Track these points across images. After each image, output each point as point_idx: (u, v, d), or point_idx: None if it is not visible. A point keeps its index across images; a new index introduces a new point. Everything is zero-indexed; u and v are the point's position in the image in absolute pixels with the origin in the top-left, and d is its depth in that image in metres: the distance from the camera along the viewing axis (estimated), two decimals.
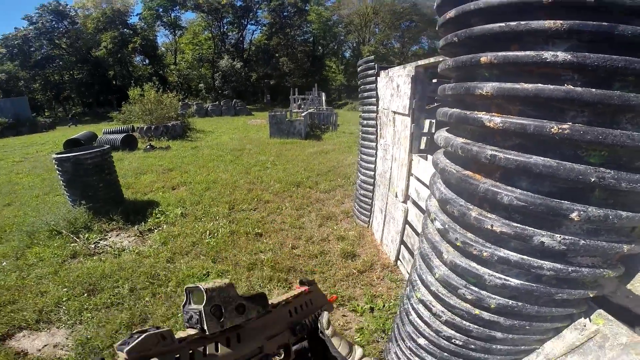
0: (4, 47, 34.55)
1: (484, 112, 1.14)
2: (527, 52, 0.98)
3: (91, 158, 5.21)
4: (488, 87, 1.07)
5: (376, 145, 4.47)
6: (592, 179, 0.98)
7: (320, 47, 48.54)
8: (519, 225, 1.14)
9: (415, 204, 3.45)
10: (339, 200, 6.27)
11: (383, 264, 3.97)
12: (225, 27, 45.43)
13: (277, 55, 43.88)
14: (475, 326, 1.42)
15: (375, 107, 4.26)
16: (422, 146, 3.81)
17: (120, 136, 11.53)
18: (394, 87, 3.52)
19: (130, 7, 42.06)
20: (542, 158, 1.03)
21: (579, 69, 0.93)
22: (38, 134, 20.29)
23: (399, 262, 3.87)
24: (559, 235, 1.09)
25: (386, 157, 4.12)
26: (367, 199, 4.83)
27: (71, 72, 38.59)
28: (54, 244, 4.45)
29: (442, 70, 1.38)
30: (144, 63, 45.05)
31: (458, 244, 1.34)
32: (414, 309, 1.74)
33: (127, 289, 3.42)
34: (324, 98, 22.64)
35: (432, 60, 2.78)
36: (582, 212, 1.03)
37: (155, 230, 4.94)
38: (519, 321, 1.33)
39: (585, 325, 1.32)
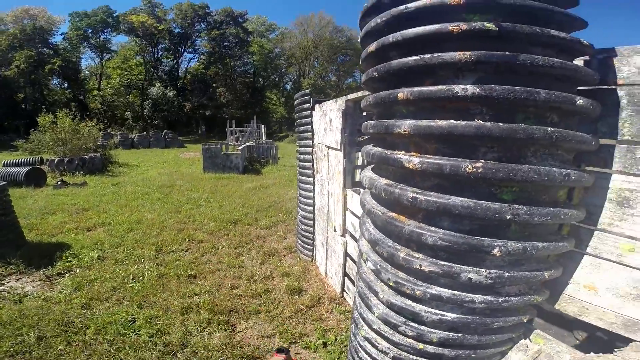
0: None
1: (403, 152, 1.12)
2: (440, 87, 0.98)
3: None
4: (405, 125, 1.05)
5: (313, 180, 4.44)
6: (508, 217, 1.00)
7: (260, 79, 49.02)
8: (445, 263, 1.13)
9: (353, 237, 3.41)
10: (281, 235, 6.03)
11: (330, 297, 3.83)
12: (160, 54, 43.32)
13: (214, 85, 42.86)
14: (423, 359, 1.37)
15: (311, 141, 4.27)
16: (357, 178, 3.88)
17: (24, 169, 9.81)
18: (327, 121, 3.58)
19: (56, 25, 38.08)
20: (459, 199, 1.02)
21: (486, 102, 0.95)
22: None
23: (344, 293, 3.76)
24: (484, 270, 1.09)
25: (322, 192, 4.09)
26: (308, 234, 4.70)
27: None
28: None
29: (364, 107, 1.37)
30: (62, 87, 40.33)
31: (391, 283, 1.29)
32: (361, 346, 1.67)
33: (34, 336, 2.99)
34: (263, 130, 22.57)
35: (359, 94, 2.88)
36: (502, 247, 1.04)
37: (67, 275, 4.26)
38: (463, 351, 1.32)
39: (527, 346, 1.35)
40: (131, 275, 4.20)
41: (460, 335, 1.26)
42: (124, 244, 5.33)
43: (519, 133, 0.94)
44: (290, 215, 7.22)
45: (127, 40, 42.54)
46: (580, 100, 1.00)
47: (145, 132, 26.97)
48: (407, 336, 1.36)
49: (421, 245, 1.16)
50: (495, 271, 1.09)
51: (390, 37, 1.10)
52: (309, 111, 4.15)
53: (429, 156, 1.05)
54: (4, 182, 4.97)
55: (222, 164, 12.53)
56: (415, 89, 1.03)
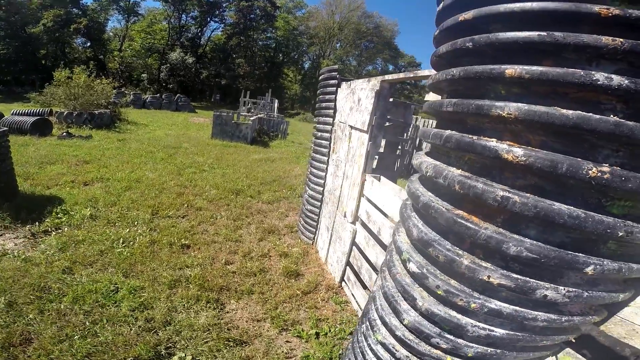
0: None
1: (495, 140, 0.90)
2: (572, 70, 0.77)
3: None
4: (511, 108, 0.83)
5: (328, 159, 4.22)
6: (620, 234, 0.81)
7: (280, 55, 48.08)
8: (520, 277, 0.95)
9: (364, 226, 3.23)
10: (282, 212, 5.85)
11: (328, 285, 3.66)
12: (186, 20, 42.62)
13: (234, 55, 42.16)
14: None
15: (331, 119, 4.02)
16: (374, 165, 3.66)
17: (31, 119, 9.57)
18: (355, 100, 3.31)
19: None
20: (565, 206, 0.82)
21: (631, 98, 0.75)
22: None
23: (343, 283, 3.61)
24: (563, 288, 0.94)
25: (337, 173, 3.87)
26: (313, 215, 4.52)
27: None
28: None
29: (437, 82, 1.13)
30: (85, 46, 39.91)
31: (439, 292, 1.11)
32: (372, 350, 1.51)
33: (4, 302, 2.70)
34: (276, 105, 22.09)
35: (401, 75, 2.62)
36: (597, 266, 0.88)
37: (53, 233, 3.97)
38: None
39: None
40: (121, 239, 3.96)
41: (499, 351, 1.12)
42: (119, 202, 5.11)
43: None
44: (294, 192, 7.03)
45: (159, 4, 41.78)
46: None
47: (158, 94, 26.58)
48: (439, 348, 1.20)
49: (493, 254, 0.98)
50: (574, 289, 0.94)
51: (502, 7, 0.89)
52: (334, 87, 3.87)
53: (534, 149, 0.84)
54: (4, 129, 4.70)
55: (231, 132, 12.26)
56: (535, 67, 0.81)
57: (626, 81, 0.73)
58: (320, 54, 48.75)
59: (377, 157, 3.72)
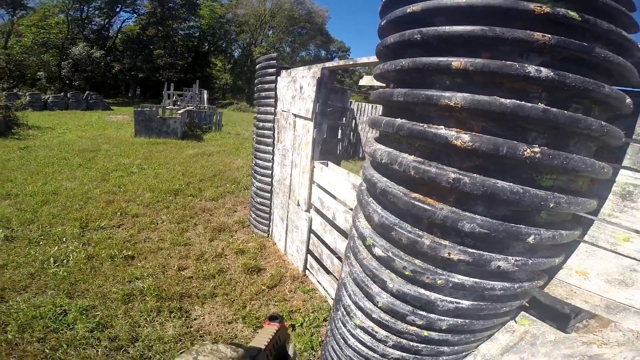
0: None
1: (443, 127, 0.98)
2: (510, 63, 0.87)
3: None
4: (458, 98, 0.91)
5: (273, 149, 4.15)
6: (551, 205, 0.96)
7: (206, 44, 44.72)
8: (475, 251, 1.07)
9: (319, 212, 3.29)
10: (230, 208, 5.64)
11: (292, 276, 3.68)
12: (90, 12, 36.63)
13: (151, 47, 37.94)
14: (425, 345, 1.36)
15: (273, 108, 3.92)
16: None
17: None
18: (297, 88, 3.28)
19: None
20: (507, 184, 0.94)
21: (554, 87, 0.88)
22: None
23: (307, 271, 3.67)
24: (512, 258, 1.08)
25: (285, 162, 3.84)
26: (264, 207, 4.45)
27: None
28: None
29: (385, 72, 1.18)
30: None
31: (407, 272, 1.20)
32: (352, 335, 1.59)
33: None
34: (205, 96, 20.67)
35: (341, 62, 2.65)
36: (536, 235, 1.02)
37: None
38: (465, 335, 1.34)
39: (513, 327, 1.41)
40: (52, 258, 3.53)
41: (468, 321, 1.26)
42: (37, 219, 4.46)
43: (580, 122, 0.90)
44: (238, 185, 6.80)
45: None
46: (628, 99, 1.00)
47: (62, 93, 22.80)
48: (414, 325, 1.32)
49: (449, 232, 1.08)
50: (520, 258, 1.08)
51: (449, 1, 0.95)
52: (274, 76, 3.77)
53: (478, 134, 0.94)
54: None
55: (158, 128, 11.20)
56: (479, 60, 0.90)
57: (551, 73, 0.85)
58: (251, 41, 46.66)
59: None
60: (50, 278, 3.21)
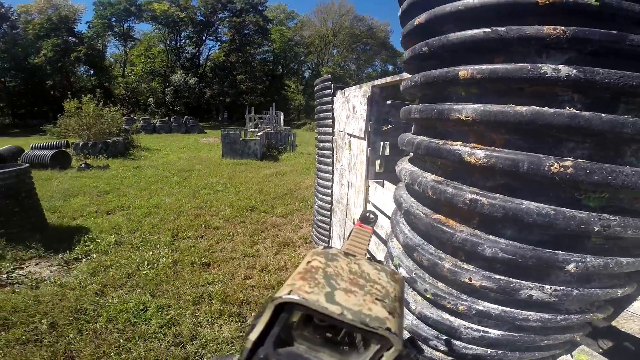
0: None
1: (460, 143, 0.90)
2: (520, 66, 0.76)
3: (2, 180, 4.38)
4: (468, 110, 0.83)
5: (332, 169, 4.24)
6: (596, 228, 0.78)
7: (280, 67, 48.73)
8: (502, 277, 0.93)
9: (374, 232, 3.21)
10: (296, 225, 5.90)
11: None
12: (182, 41, 43.94)
13: (234, 72, 43.05)
14: None
15: (331, 128, 4.05)
16: (377, 169, 3.65)
17: (50, 152, 10.08)
18: (350, 108, 3.34)
19: (79, 14, 39.18)
20: (534, 204, 0.81)
21: (583, 87, 0.73)
22: None
23: None
24: (549, 287, 0.90)
25: (342, 182, 3.88)
26: (324, 225, 4.53)
27: (2, 79, 34.08)
28: None
29: (406, 89, 1.14)
30: (88, 74, 41.66)
31: (428, 295, 1.10)
32: None
33: (47, 324, 2.96)
34: (282, 117, 22.35)
35: (388, 79, 2.63)
36: (579, 263, 0.84)
37: (83, 260, 4.27)
38: None
39: None
40: (146, 262, 4.17)
41: (500, 352, 1.09)
42: (141, 228, 5.34)
43: (627, 127, 0.72)
44: (306, 204, 7.08)
45: (151, 28, 43.34)
46: None
47: (167, 118, 27.33)
48: (438, 350, 1.19)
49: (473, 256, 0.96)
50: (562, 288, 0.90)
51: (448, 7, 0.89)
52: (330, 97, 3.91)
53: (497, 149, 0.83)
54: (27, 165, 5.05)
55: (241, 150, 12.47)
56: (485, 66, 0.81)
57: (574, 71, 0.71)
58: (318, 62, 49.22)
59: (378, 160, 3.70)
60: (141, 278, 3.79)
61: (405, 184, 1.12)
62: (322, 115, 4.16)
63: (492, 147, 0.84)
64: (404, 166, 1.20)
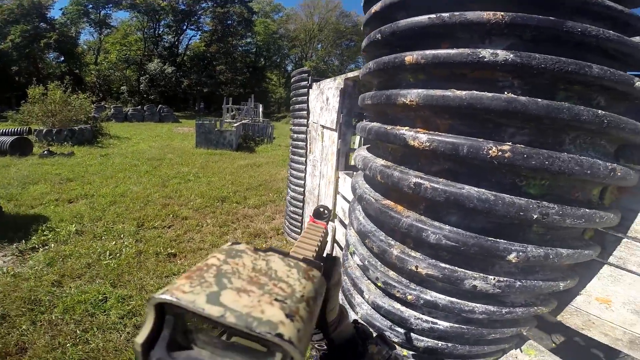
0: None
1: (406, 128, 0.90)
2: (461, 50, 0.76)
3: None
4: (413, 95, 0.83)
5: (306, 160, 4.21)
6: (535, 216, 0.80)
7: (262, 59, 47.92)
8: (447, 266, 0.94)
9: (342, 223, 3.23)
10: (269, 216, 5.83)
11: None
12: (162, 30, 42.26)
13: (214, 63, 41.84)
14: None
15: (306, 120, 4.01)
16: (352, 162, 3.67)
17: (9, 139, 9.48)
18: (324, 99, 3.31)
19: (52, 0, 36.89)
20: (475, 189, 0.81)
21: (521, 72, 0.74)
22: None
23: None
24: (492, 277, 0.92)
25: (315, 173, 3.87)
26: (297, 216, 4.51)
27: None
28: None
29: (363, 77, 1.14)
30: (58, 61, 39.39)
31: (379, 283, 1.11)
32: None
33: None
34: (260, 109, 22.01)
35: (359, 72, 2.62)
36: (520, 253, 0.85)
37: (40, 250, 4.02)
38: None
39: (517, 357, 1.22)
40: (108, 252, 3.98)
41: (450, 345, 1.11)
42: (104, 217, 5.09)
43: (562, 112, 0.74)
44: (280, 195, 7.00)
45: (128, 15, 41.36)
46: (638, 82, 0.79)
47: (140, 106, 26.30)
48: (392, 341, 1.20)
49: (420, 243, 0.97)
50: (505, 279, 0.92)
51: None
52: (306, 89, 3.87)
53: (440, 134, 0.84)
54: None
55: (216, 140, 12.17)
56: (429, 51, 0.82)
57: (511, 55, 0.72)
58: (302, 55, 48.83)
59: (351, 153, 3.73)
60: (102, 269, 3.62)
61: (360, 169, 1.11)
62: (297, 106, 4.12)
63: (436, 132, 0.84)
64: (360, 153, 1.20)
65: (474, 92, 0.76)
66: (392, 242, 1.02)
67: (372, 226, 1.11)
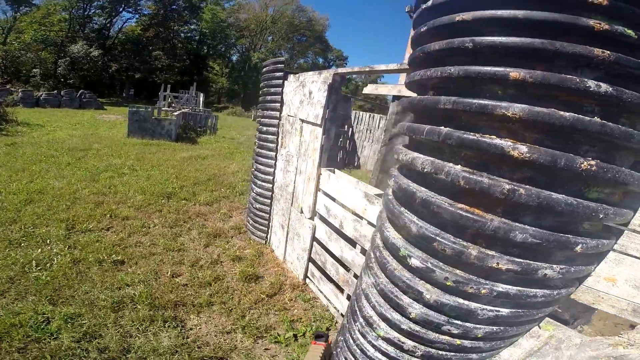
0: None
1: (496, 137, 0.98)
2: (570, 77, 0.88)
3: None
4: (516, 109, 0.91)
5: (276, 155, 4.10)
6: (600, 216, 0.99)
7: (205, 47, 44.74)
8: (524, 261, 1.08)
9: (324, 220, 3.24)
10: (225, 213, 5.52)
11: (292, 284, 3.60)
12: (92, 11, 36.17)
13: (150, 47, 37.70)
14: (455, 354, 1.36)
15: (278, 112, 3.89)
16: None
17: None
18: (305, 93, 3.26)
19: None
20: (562, 195, 0.96)
21: (610, 102, 0.90)
22: None
23: (307, 280, 3.59)
24: (557, 266, 1.10)
25: (288, 169, 3.80)
26: (263, 214, 4.37)
27: None
28: None
29: (425, 79, 1.17)
30: None
31: (449, 283, 1.19)
32: (373, 345, 1.55)
33: None
34: (201, 99, 20.55)
35: (356, 68, 2.65)
36: (584, 245, 1.05)
37: None
38: (497, 342, 1.35)
39: (538, 333, 1.41)
40: (34, 262, 3.34)
41: (503, 328, 1.27)
42: (20, 219, 4.25)
43: (633, 137, 0.93)
44: (234, 190, 6.69)
45: None
46: None
47: (55, 91, 22.36)
48: (448, 334, 1.32)
49: (496, 242, 1.08)
50: (564, 266, 1.11)
51: (506, 13, 0.95)
52: (280, 80, 3.74)
53: (536, 146, 0.95)
54: None
55: (152, 130, 11.00)
56: (538, 72, 0.91)
57: (610, 88, 0.87)
58: (250, 47, 46.89)
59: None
60: (31, 283, 3.02)
61: (425, 172, 1.16)
62: (268, 98, 3.96)
63: (528, 144, 0.94)
64: (416, 155, 1.24)
65: (575, 114, 0.89)
66: (465, 244, 1.10)
67: (435, 230, 1.16)
